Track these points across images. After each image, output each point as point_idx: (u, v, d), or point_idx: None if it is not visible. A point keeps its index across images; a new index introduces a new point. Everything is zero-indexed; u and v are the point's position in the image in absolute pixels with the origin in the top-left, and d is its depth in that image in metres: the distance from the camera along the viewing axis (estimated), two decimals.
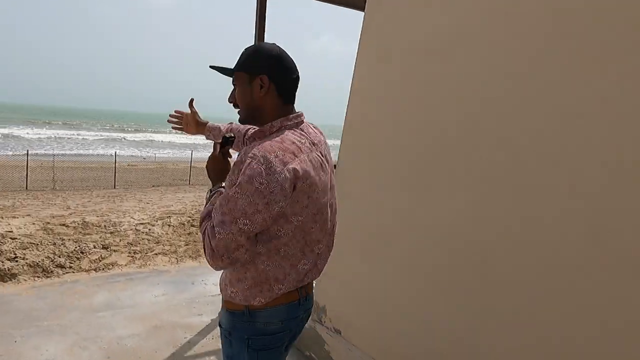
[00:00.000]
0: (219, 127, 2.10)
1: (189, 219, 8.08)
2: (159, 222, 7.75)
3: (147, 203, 10.68)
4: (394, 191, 2.57)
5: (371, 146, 2.75)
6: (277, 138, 1.38)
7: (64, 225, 7.05)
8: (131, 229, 7.10)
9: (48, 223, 7.09)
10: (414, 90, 2.47)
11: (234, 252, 1.35)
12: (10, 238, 5.77)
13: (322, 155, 1.50)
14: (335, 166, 3.11)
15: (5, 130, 43.70)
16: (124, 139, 46.72)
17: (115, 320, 3.79)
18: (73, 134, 46.58)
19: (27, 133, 43.07)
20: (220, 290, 1.58)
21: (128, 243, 6.20)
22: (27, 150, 17.03)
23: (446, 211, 2.25)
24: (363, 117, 2.84)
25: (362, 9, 4.60)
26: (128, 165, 23.75)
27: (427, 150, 2.36)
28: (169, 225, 7.48)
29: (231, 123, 2.09)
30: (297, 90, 1.52)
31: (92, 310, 4.02)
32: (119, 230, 7.01)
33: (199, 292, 4.59)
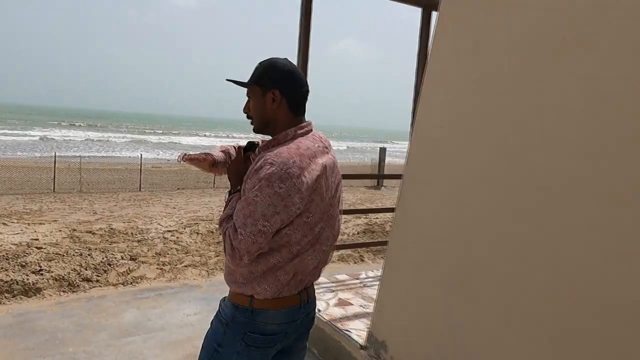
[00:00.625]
0: (223, 159, 1.88)
1: (218, 226, 7.75)
2: (187, 229, 7.43)
3: (174, 208, 10.41)
4: (484, 209, 2.13)
5: (451, 156, 2.33)
6: (292, 144, 1.48)
7: (90, 232, 6.78)
8: (159, 237, 6.80)
9: (74, 230, 6.82)
10: (502, 91, 2.04)
11: (254, 252, 1.43)
12: (36, 247, 5.50)
13: (334, 157, 1.60)
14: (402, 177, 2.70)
15: (36, 132, 44.41)
16: (150, 141, 47.05)
17: (147, 347, 3.44)
18: (100, 136, 47.14)
19: (58, 135, 43.69)
20: (227, 283, 1.61)
21: (156, 253, 5.88)
22: (55, 152, 17.00)
23: (560, 237, 1.81)
24: (437, 122, 2.42)
25: (421, 5, 4.19)
26: (153, 167, 23.66)
27: (525, 158, 1.93)
28: (197, 233, 7.15)
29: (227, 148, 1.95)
30: (307, 102, 1.61)
31: (121, 332, 3.68)
32: (146, 238, 6.71)
33: None
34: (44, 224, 7.17)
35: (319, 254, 1.59)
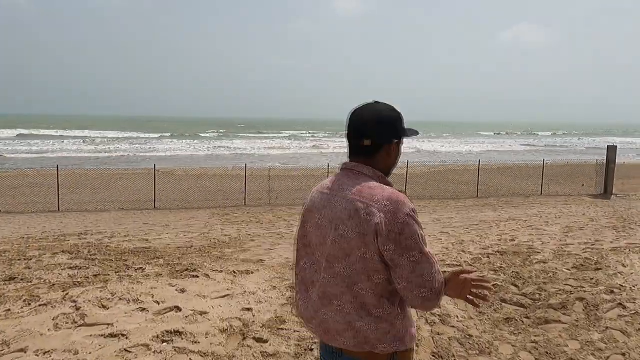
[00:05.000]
0: None
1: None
2: None
3: None
4: None
5: None
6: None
7: None
8: None
9: (292, 287, 4.69)
10: None
11: None
12: (255, 340, 3.36)
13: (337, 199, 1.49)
14: None
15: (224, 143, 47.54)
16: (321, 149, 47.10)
17: None
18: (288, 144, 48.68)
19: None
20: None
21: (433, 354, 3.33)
22: (245, 164, 16.22)
23: None
24: None
25: None
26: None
27: None
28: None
29: None
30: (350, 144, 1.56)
31: None
32: None
33: None
34: (250, 272, 5.21)
35: (304, 299, 1.57)
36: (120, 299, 3.92)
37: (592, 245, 6.81)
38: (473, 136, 72.94)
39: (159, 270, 5.09)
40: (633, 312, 3.97)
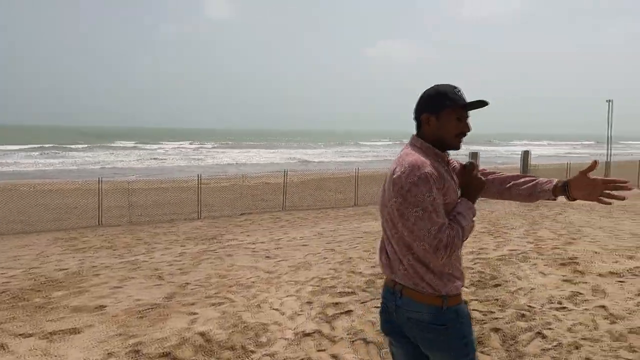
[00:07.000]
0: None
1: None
2: (337, 324, 3.83)
3: (267, 257, 6.83)
4: None
5: None
6: None
7: (162, 357, 3.22)
8: (295, 357, 3.22)
9: (136, 350, 3.27)
10: None
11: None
12: None
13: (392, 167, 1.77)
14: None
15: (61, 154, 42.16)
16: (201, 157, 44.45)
17: None
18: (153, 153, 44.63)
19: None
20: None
21: None
22: (99, 178, 13.75)
23: None
24: None
25: None
26: (212, 183, 20.11)
27: None
28: (363, 341, 3.54)
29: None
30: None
31: None
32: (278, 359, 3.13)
33: None
34: (78, 331, 3.66)
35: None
36: None
37: (478, 254, 6.47)
38: (353, 145, 75.31)
39: None
40: (555, 343, 3.36)
